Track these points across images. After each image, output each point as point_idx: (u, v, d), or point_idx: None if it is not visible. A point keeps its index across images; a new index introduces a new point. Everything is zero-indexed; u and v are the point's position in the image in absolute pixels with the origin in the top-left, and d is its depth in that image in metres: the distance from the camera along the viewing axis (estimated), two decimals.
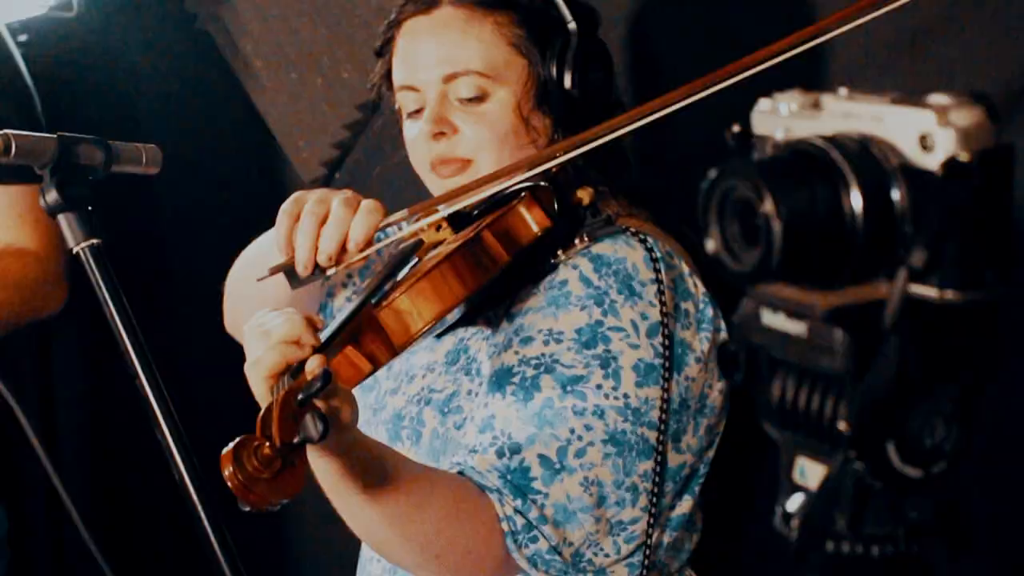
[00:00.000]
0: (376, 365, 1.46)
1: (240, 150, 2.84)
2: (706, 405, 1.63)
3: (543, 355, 1.55)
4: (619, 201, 1.70)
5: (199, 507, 1.33)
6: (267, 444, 1.25)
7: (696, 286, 1.64)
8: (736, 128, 0.98)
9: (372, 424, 1.71)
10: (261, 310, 1.44)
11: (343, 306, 1.92)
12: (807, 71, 1.78)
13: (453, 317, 1.59)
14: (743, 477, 1.84)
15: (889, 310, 0.84)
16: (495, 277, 1.55)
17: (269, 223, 2.79)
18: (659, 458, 1.56)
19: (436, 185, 1.69)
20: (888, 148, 0.86)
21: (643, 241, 1.60)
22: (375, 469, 1.43)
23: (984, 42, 1.72)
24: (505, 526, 1.49)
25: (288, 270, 1.59)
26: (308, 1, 2.61)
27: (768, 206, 0.84)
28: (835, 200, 0.85)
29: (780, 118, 0.94)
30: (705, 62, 1.95)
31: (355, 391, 1.43)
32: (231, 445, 1.26)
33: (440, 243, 1.62)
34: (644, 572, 1.59)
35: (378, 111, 2.55)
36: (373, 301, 1.49)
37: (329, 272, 1.57)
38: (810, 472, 0.92)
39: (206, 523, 1.32)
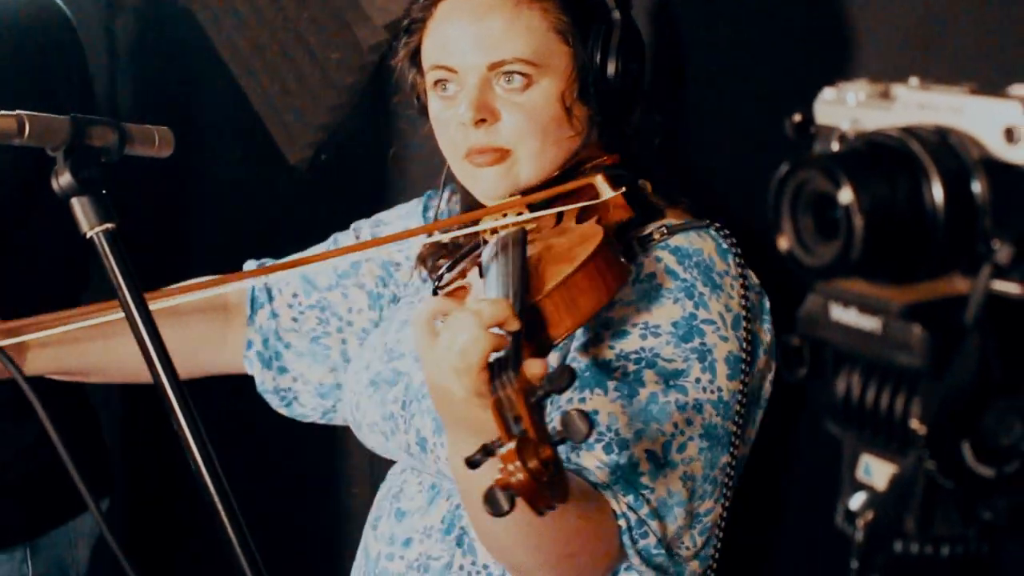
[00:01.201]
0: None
1: (225, 131, 2.79)
2: (761, 397, 1.62)
3: (642, 349, 1.52)
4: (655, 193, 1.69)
5: (216, 498, 1.29)
6: (545, 446, 1.17)
7: (752, 276, 1.62)
8: (797, 118, 0.96)
9: (421, 408, 1.63)
10: (433, 299, 1.38)
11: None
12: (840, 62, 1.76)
13: None
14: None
15: (971, 306, 0.82)
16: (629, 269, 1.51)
17: (253, 206, 2.77)
18: (734, 451, 1.55)
19: (466, 172, 1.65)
20: (968, 140, 0.84)
21: (724, 234, 1.59)
22: None
23: None
24: (622, 522, 1.47)
25: None
26: None
27: (849, 198, 0.81)
28: (915, 192, 0.83)
29: (847, 108, 0.91)
30: (727, 43, 1.93)
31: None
32: (512, 446, 1.17)
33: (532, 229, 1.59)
34: (713, 564, 1.59)
35: (366, 93, 2.52)
36: (526, 294, 1.41)
37: None
38: (876, 470, 0.90)
39: (224, 517, 1.28)
